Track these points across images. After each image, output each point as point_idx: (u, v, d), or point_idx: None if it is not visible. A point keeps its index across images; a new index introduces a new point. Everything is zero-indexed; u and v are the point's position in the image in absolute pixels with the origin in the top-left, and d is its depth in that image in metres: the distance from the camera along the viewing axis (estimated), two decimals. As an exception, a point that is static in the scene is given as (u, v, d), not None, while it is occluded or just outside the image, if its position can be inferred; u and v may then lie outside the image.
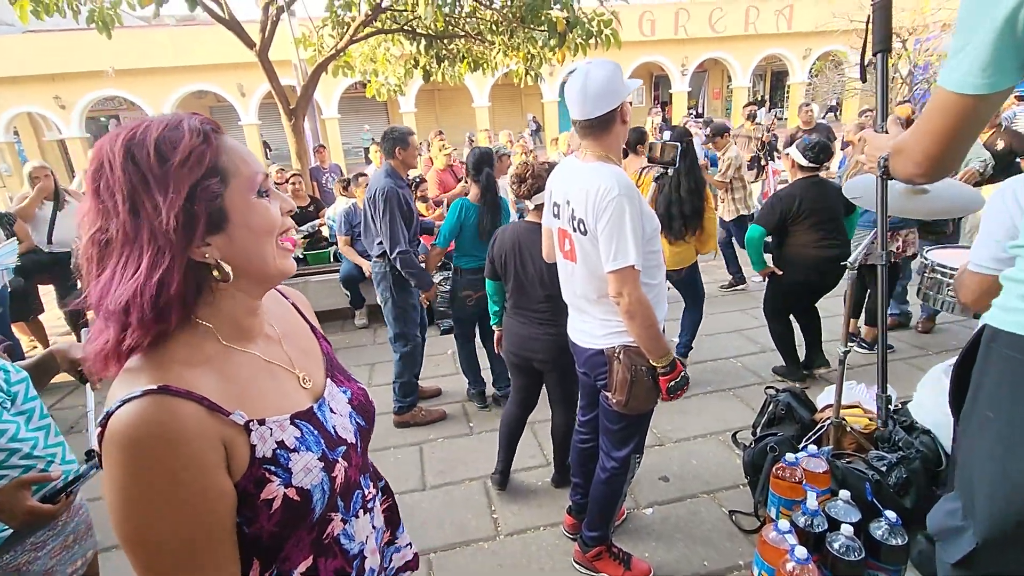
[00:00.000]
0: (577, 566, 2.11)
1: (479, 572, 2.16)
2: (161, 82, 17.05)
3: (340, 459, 0.78)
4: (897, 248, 3.61)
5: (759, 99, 23.01)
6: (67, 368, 1.40)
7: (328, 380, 0.87)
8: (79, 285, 4.36)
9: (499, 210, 3.24)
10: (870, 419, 2.52)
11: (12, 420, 1.21)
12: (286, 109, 6.67)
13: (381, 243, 3.04)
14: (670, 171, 2.25)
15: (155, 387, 0.62)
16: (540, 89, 19.12)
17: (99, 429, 0.62)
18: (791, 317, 3.56)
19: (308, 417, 0.77)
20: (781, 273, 3.39)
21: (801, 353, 3.57)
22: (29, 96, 16.50)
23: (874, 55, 1.50)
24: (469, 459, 2.90)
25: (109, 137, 0.65)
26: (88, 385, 1.43)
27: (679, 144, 2.27)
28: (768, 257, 3.49)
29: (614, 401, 1.79)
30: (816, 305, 3.49)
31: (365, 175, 5.43)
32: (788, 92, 21.61)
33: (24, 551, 1.25)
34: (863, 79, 1.68)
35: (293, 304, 0.95)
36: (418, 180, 5.46)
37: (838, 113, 20.14)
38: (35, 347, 4.82)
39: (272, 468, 0.69)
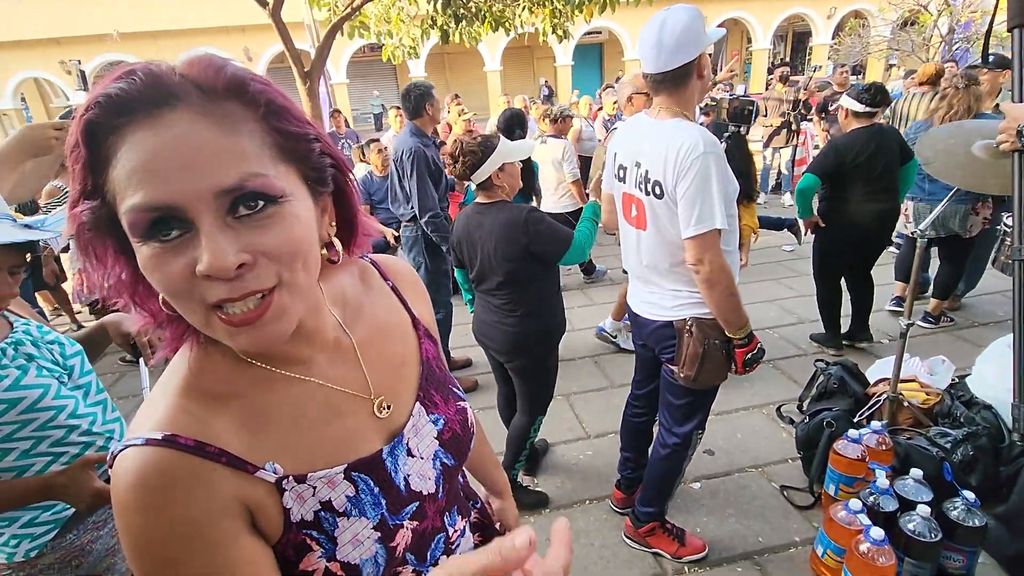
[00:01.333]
0: (628, 541, 2.07)
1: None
2: (165, 46, 16.69)
3: (406, 521, 0.61)
4: (984, 220, 3.33)
5: (780, 61, 22.25)
6: (119, 342, 1.33)
7: (417, 405, 0.67)
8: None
9: (532, 173, 3.16)
10: (928, 394, 2.43)
11: (70, 395, 1.14)
12: (300, 72, 6.46)
13: (413, 207, 2.94)
14: (743, 129, 2.10)
15: (159, 436, 0.49)
16: (553, 53, 18.57)
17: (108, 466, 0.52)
18: (841, 283, 3.41)
19: (371, 467, 0.60)
20: (824, 227, 3.24)
21: (845, 323, 3.46)
22: (35, 60, 16.26)
23: (1009, 31, 1.33)
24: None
25: None
26: (141, 361, 1.35)
27: (754, 101, 2.13)
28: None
29: (682, 376, 1.70)
30: (871, 274, 3.34)
31: (378, 141, 5.29)
32: (810, 54, 20.85)
33: (86, 530, 1.20)
34: (985, 60, 1.51)
35: (394, 288, 0.73)
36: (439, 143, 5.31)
37: (862, 76, 19.45)
38: (59, 315, 4.81)
39: (313, 533, 0.55)
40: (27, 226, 1.06)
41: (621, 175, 1.73)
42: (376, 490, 0.59)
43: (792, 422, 2.69)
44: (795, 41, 23.96)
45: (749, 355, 1.60)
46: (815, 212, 3.28)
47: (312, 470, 0.56)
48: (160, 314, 0.52)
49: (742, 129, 2.09)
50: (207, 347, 0.55)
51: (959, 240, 3.36)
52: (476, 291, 2.18)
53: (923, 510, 1.64)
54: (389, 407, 0.64)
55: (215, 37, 16.80)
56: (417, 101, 2.93)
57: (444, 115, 7.47)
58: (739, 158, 3.03)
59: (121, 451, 0.50)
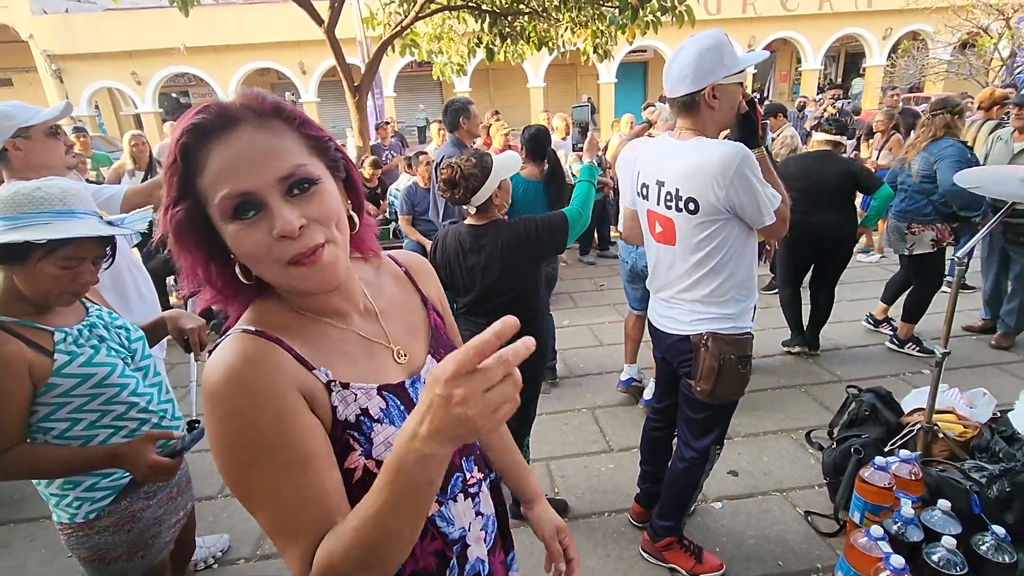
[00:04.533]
0: (645, 555, 2.08)
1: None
2: (227, 59, 17.67)
3: None
4: (932, 242, 3.48)
5: (829, 82, 21.73)
6: (175, 335, 1.47)
7: (429, 357, 0.82)
8: (157, 253, 4.50)
9: (563, 181, 3.24)
10: (965, 426, 2.36)
11: (132, 375, 1.27)
12: (350, 86, 6.76)
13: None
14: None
15: (252, 329, 0.66)
16: (597, 70, 18.70)
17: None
18: (809, 291, 3.76)
19: (397, 391, 0.74)
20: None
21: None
22: (109, 71, 17.43)
23: None
24: (530, 440, 2.90)
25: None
26: (192, 355, 1.48)
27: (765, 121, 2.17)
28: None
29: (699, 389, 1.73)
30: (833, 291, 3.67)
31: (426, 153, 5.46)
32: (863, 74, 20.28)
33: (139, 499, 1.32)
34: None
35: (407, 272, 0.90)
36: None
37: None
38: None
39: (355, 435, 0.68)
40: (110, 223, 1.20)
41: (644, 193, 1.78)
42: (402, 407, 0.73)
43: (821, 448, 2.64)
44: (848, 62, 23.37)
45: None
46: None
47: (354, 381, 0.71)
48: (225, 291, 0.68)
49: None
50: (267, 301, 0.71)
51: (910, 259, 3.55)
52: (463, 316, 2.02)
53: (948, 542, 1.61)
54: (406, 355, 0.80)
55: (271, 51, 17.69)
56: (453, 116, 3.15)
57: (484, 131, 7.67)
58: None
59: (221, 341, 0.66)
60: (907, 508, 1.76)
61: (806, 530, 2.19)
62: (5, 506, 2.60)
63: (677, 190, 1.64)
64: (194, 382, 1.60)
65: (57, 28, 16.61)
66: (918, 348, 3.62)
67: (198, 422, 1.37)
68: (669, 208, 1.68)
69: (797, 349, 3.72)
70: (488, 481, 0.90)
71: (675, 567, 2.01)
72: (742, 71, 1.59)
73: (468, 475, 0.83)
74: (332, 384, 0.68)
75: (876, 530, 1.66)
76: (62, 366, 1.16)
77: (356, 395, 0.69)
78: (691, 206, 1.62)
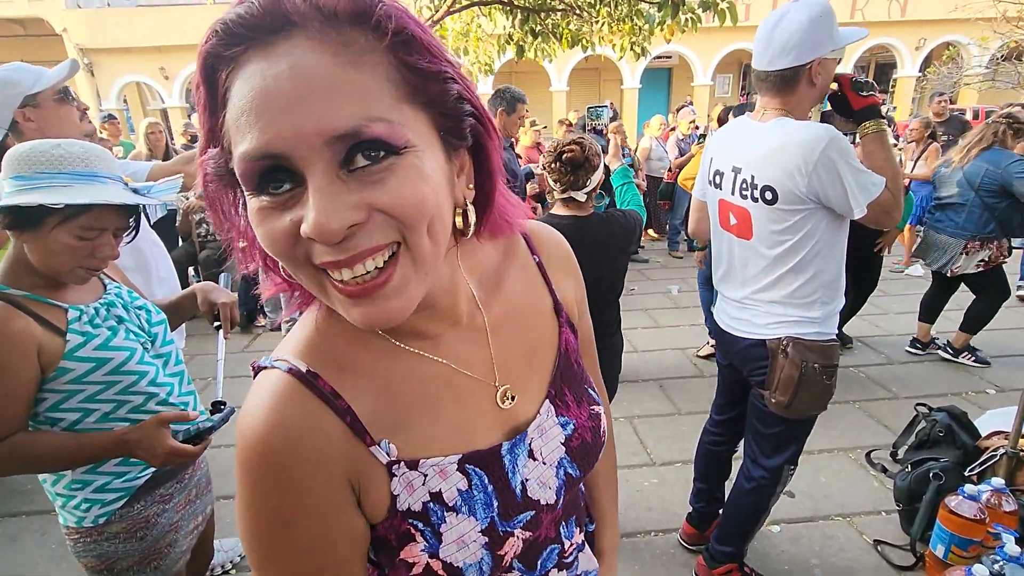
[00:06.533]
0: (699, 582, 1.89)
1: None
2: None
3: (518, 530, 0.54)
4: (981, 263, 3.29)
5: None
6: (205, 309, 1.32)
7: (546, 404, 0.59)
8: (180, 242, 4.45)
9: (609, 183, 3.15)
10: (1054, 453, 2.13)
11: (151, 363, 1.13)
12: (378, 81, 6.65)
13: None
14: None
15: (304, 368, 0.47)
16: (621, 75, 18.51)
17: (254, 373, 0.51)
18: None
19: (487, 463, 0.53)
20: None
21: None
22: (138, 66, 17.68)
23: None
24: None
25: None
26: (221, 332, 1.34)
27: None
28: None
29: (774, 401, 1.54)
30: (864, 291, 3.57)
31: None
32: (894, 86, 19.81)
33: (153, 502, 1.18)
34: None
35: (539, 264, 0.63)
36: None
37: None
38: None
39: (418, 524, 0.50)
40: (135, 191, 1.06)
41: (717, 181, 1.61)
42: (490, 488, 0.53)
43: (885, 470, 2.43)
44: (878, 72, 22.88)
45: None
46: None
47: (426, 455, 0.51)
48: (288, 279, 0.47)
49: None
50: (336, 322, 0.49)
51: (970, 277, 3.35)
52: None
53: (1067, 588, 1.40)
54: (513, 398, 0.57)
55: (299, 50, 17.81)
56: (497, 102, 3.06)
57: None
58: None
59: (268, 367, 0.49)
60: (1011, 545, 1.55)
61: (877, 561, 1.98)
62: (17, 496, 2.49)
63: (752, 177, 1.47)
64: (222, 360, 1.44)
65: (90, 22, 16.91)
66: (974, 358, 3.39)
67: (224, 403, 1.22)
68: (744, 197, 1.51)
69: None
70: (585, 536, 0.71)
71: (734, 597, 1.81)
72: (843, 47, 1.42)
73: (567, 544, 0.63)
74: (395, 466, 0.49)
75: (979, 569, 1.46)
76: (75, 348, 1.01)
77: (427, 475, 0.50)
78: (768, 195, 1.44)
